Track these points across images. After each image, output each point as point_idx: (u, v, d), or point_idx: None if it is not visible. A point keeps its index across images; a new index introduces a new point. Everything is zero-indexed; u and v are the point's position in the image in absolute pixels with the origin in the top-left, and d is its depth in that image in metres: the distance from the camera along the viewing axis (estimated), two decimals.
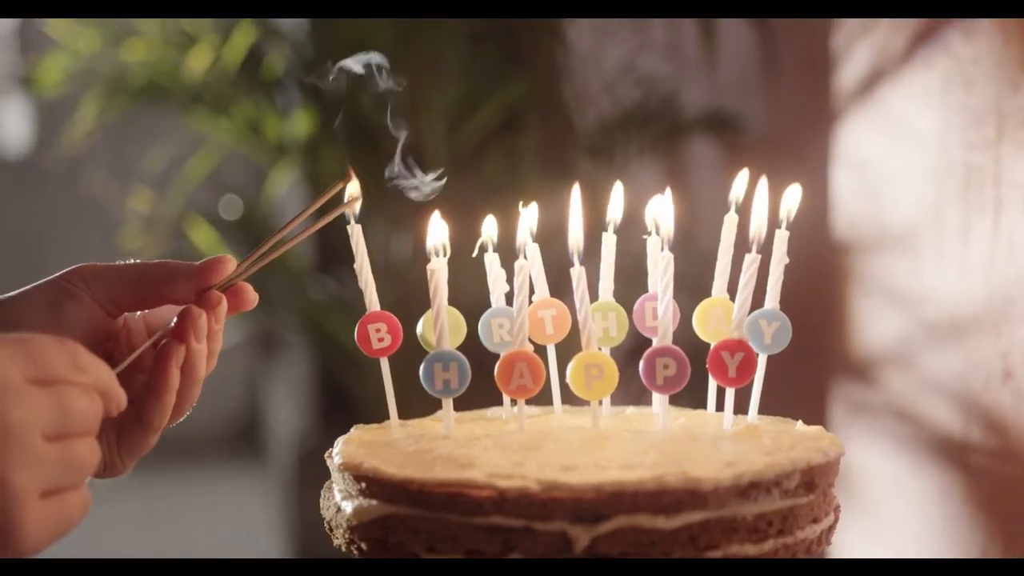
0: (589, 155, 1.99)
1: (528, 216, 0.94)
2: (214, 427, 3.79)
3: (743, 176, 0.96)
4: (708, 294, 0.96)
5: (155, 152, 2.11)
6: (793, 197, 0.93)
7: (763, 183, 0.93)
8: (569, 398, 0.96)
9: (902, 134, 1.46)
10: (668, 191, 0.94)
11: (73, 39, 2.03)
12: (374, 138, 1.95)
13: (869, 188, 1.54)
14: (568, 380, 0.91)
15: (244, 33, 1.98)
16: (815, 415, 1.43)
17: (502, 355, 0.92)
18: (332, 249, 2.35)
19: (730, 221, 0.94)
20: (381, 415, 0.98)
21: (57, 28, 2.04)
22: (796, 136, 1.73)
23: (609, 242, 0.98)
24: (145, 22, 2.02)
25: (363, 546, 0.84)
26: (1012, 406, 1.31)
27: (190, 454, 3.57)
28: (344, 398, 2.37)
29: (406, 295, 1.78)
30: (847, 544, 1.54)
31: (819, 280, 1.61)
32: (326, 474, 0.93)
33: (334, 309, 2.11)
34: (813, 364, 1.62)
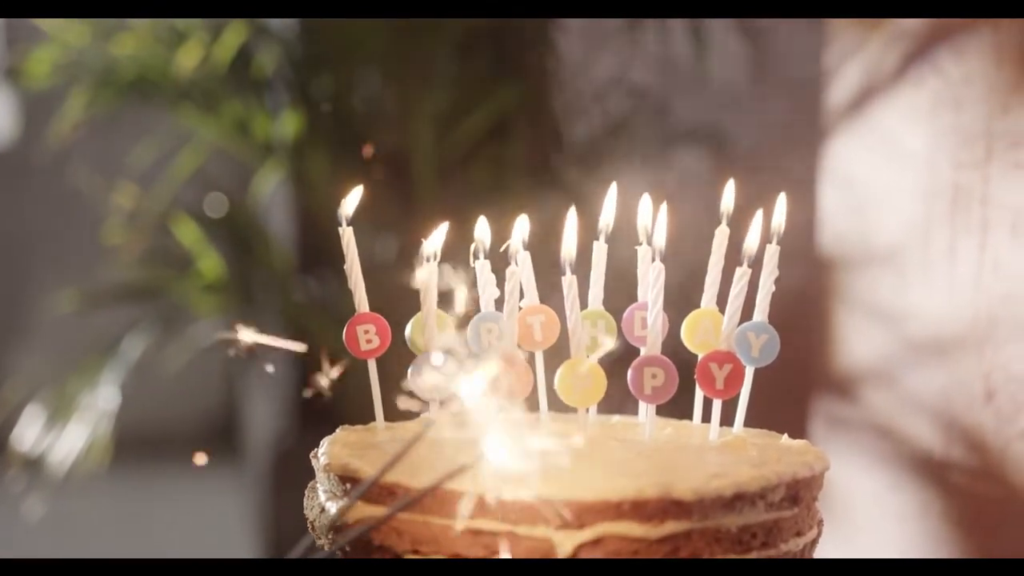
0: (577, 164, 1.99)
1: (520, 224, 0.94)
2: (191, 426, 3.78)
3: (730, 188, 0.96)
4: (692, 305, 0.96)
5: (142, 148, 2.10)
6: (780, 208, 0.93)
7: (756, 197, 0.94)
8: (555, 405, 0.96)
9: (891, 152, 1.47)
10: (664, 205, 0.95)
11: (62, 31, 2.02)
12: (361, 139, 1.94)
13: (856, 205, 1.54)
14: (556, 387, 0.91)
15: (235, 32, 1.97)
16: (795, 429, 1.43)
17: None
18: (315, 250, 2.34)
19: (721, 234, 0.94)
20: (360, 417, 0.97)
21: (46, 19, 2.03)
22: (784, 152, 1.73)
23: (600, 250, 0.98)
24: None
25: (346, 547, 0.84)
26: (993, 426, 1.31)
27: (166, 453, 3.55)
28: (323, 399, 2.36)
29: (389, 298, 1.77)
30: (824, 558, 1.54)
31: (804, 295, 1.61)
32: (303, 475, 0.92)
33: (316, 310, 2.11)
34: (795, 379, 1.62)
